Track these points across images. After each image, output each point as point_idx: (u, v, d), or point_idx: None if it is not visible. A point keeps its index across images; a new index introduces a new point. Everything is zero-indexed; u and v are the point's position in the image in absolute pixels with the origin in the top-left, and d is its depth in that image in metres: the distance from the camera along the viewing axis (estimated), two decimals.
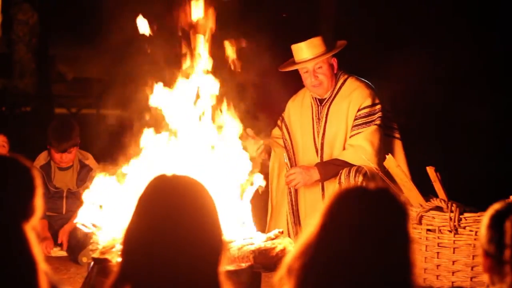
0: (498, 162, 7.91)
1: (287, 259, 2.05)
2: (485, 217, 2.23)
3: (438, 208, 4.53)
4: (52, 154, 5.66)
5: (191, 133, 4.61)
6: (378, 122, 5.00)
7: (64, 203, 5.70)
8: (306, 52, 5.02)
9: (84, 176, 5.67)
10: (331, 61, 5.07)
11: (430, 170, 4.48)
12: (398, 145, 5.18)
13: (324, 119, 5.11)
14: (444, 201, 4.49)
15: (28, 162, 2.24)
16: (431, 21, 9.50)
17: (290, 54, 5.14)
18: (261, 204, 5.32)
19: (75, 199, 5.59)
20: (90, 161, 5.72)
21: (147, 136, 4.59)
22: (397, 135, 5.21)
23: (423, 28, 9.52)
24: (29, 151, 4.52)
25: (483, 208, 4.44)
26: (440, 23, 9.42)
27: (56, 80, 12.49)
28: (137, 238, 2.11)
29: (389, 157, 4.68)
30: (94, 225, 4.28)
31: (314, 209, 5.16)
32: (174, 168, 4.17)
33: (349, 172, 4.83)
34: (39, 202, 2.20)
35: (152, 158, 4.49)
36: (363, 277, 1.97)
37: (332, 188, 4.97)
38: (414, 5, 9.52)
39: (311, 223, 2.06)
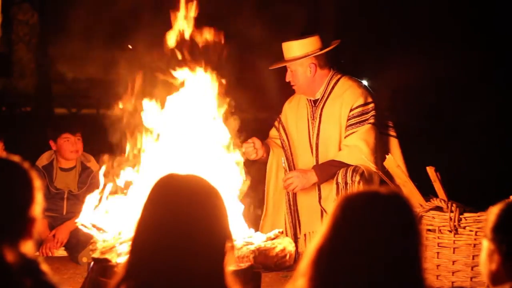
0: (498, 162, 7.91)
1: (301, 266, 2.05)
2: (503, 218, 2.17)
3: (438, 208, 4.53)
4: (62, 145, 5.61)
5: (189, 133, 4.61)
6: (372, 120, 5.00)
7: (64, 204, 5.68)
8: (284, 54, 5.09)
9: (85, 178, 5.64)
10: (307, 64, 5.07)
11: (430, 170, 4.49)
12: (394, 143, 5.19)
13: (318, 119, 5.13)
14: (444, 201, 4.49)
15: (27, 163, 2.23)
16: (431, 21, 9.50)
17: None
18: (262, 204, 5.33)
19: (76, 201, 5.57)
20: (92, 163, 5.70)
21: (145, 137, 4.59)
22: (393, 133, 5.22)
23: (423, 27, 9.52)
24: (29, 151, 4.52)
25: (483, 208, 4.45)
26: (440, 23, 9.42)
27: (56, 80, 12.49)
28: (144, 237, 2.12)
29: (389, 157, 4.68)
30: (94, 226, 4.29)
31: (311, 209, 5.20)
32: (174, 168, 4.17)
33: (346, 172, 4.83)
34: (38, 203, 2.19)
35: (150, 158, 4.48)
36: (376, 278, 1.97)
37: (328, 188, 4.99)
38: (414, 4, 9.52)
39: (321, 228, 2.06)
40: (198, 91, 4.70)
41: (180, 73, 4.66)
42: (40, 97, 11.64)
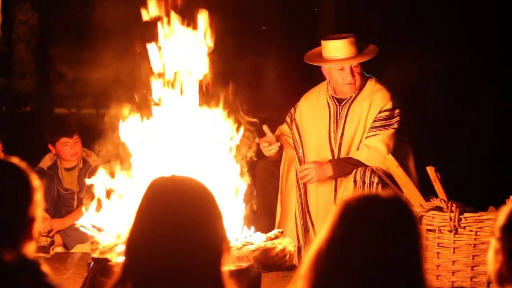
0: (498, 162, 7.90)
1: (301, 269, 2.05)
2: (510, 218, 2.15)
3: (438, 208, 4.53)
4: (61, 150, 5.62)
5: (187, 132, 4.61)
6: (395, 126, 4.99)
7: (75, 204, 5.70)
8: (345, 50, 5.05)
9: (83, 174, 5.65)
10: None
11: (430, 170, 4.49)
12: (407, 150, 5.14)
13: (343, 119, 5.08)
14: (444, 201, 4.49)
15: (24, 164, 2.22)
16: (432, 20, 9.48)
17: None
18: (263, 204, 5.31)
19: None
20: (93, 158, 5.70)
21: (143, 135, 4.58)
22: (406, 139, 5.17)
23: (424, 27, 9.50)
24: (29, 151, 4.52)
25: (483, 208, 4.46)
26: (441, 23, 9.40)
27: (56, 80, 12.48)
28: (139, 239, 2.12)
29: (389, 157, 4.69)
30: (94, 227, 4.29)
31: (327, 211, 5.14)
32: (172, 168, 4.17)
33: (364, 172, 4.78)
34: (37, 203, 2.19)
35: (148, 158, 4.47)
36: (376, 281, 1.97)
37: (343, 187, 4.92)
38: (415, 4, 9.51)
39: (321, 232, 2.06)
40: (198, 91, 4.70)
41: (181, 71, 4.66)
42: (40, 97, 11.63)
